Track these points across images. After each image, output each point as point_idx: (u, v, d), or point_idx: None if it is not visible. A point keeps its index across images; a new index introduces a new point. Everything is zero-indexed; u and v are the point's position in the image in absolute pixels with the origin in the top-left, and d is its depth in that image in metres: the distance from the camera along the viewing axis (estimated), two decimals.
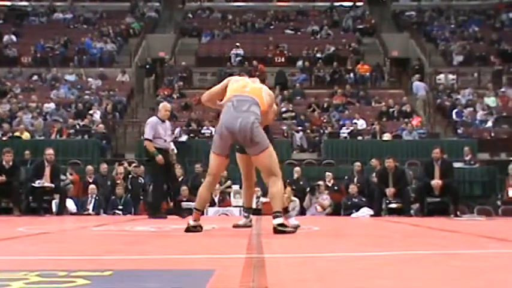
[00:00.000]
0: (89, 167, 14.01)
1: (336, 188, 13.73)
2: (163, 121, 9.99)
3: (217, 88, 6.07)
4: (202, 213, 6.11)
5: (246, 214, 6.83)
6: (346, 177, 13.98)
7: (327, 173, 14.14)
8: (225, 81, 6.02)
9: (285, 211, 6.63)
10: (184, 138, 17.02)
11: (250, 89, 5.81)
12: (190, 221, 5.87)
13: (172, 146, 10.31)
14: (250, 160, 6.29)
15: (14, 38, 25.70)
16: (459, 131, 18.62)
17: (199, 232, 5.76)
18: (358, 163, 14.00)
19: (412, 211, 12.14)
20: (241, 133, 5.55)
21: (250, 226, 6.72)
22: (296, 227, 6.30)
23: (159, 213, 9.76)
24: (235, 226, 6.68)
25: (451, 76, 23.19)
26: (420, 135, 18.04)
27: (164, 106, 10.31)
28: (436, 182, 11.57)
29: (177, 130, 16.93)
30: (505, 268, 3.21)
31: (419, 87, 21.09)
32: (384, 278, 2.78)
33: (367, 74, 23.28)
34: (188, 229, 5.82)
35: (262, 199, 13.64)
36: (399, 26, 28.22)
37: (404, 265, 3.31)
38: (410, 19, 27.90)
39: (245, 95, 5.74)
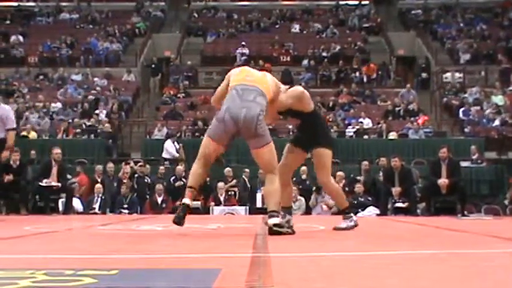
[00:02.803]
0: (99, 167, 14.01)
1: (346, 189, 13.57)
2: None
3: (221, 87, 5.68)
4: (199, 193, 5.55)
5: (282, 213, 6.12)
6: (351, 176, 13.93)
7: (338, 173, 13.97)
8: (226, 78, 5.68)
9: (344, 211, 6.22)
10: None
11: (254, 77, 5.49)
12: (187, 199, 5.30)
13: None
14: (295, 155, 6.05)
15: (20, 38, 25.78)
16: (466, 129, 18.57)
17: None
18: (365, 162, 13.96)
19: (418, 210, 12.11)
20: (245, 124, 5.20)
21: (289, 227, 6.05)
22: (345, 228, 5.98)
23: None
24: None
25: (457, 75, 23.12)
26: (427, 134, 18.00)
27: None
28: (443, 181, 11.54)
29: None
30: None
31: None
32: (390, 277, 2.78)
33: (373, 73, 23.24)
34: (184, 210, 5.24)
35: None
36: (405, 24, 28.15)
37: (411, 264, 3.30)
38: (416, 17, 27.82)
39: (249, 84, 5.43)
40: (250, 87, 5.41)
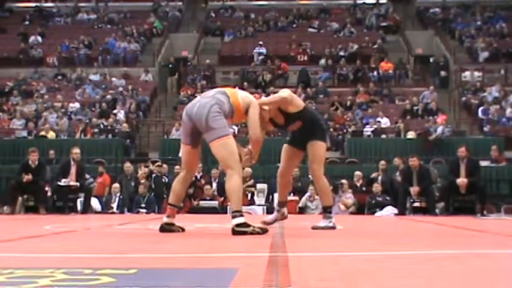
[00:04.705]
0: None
1: (363, 189, 13.60)
2: None
3: None
4: (178, 211, 5.73)
5: (277, 208, 6.45)
6: (369, 176, 13.87)
7: (356, 172, 13.97)
8: None
9: (326, 210, 6.26)
10: None
11: (226, 88, 5.64)
12: (164, 217, 5.58)
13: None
14: (294, 155, 6.14)
15: (39, 38, 25.99)
16: (485, 128, 18.42)
17: (176, 232, 5.42)
18: (383, 162, 13.90)
19: (437, 210, 12.03)
20: (197, 116, 5.22)
21: (283, 218, 6.34)
22: (324, 228, 6.02)
23: None
24: (263, 223, 6.33)
25: (476, 73, 22.91)
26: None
27: None
28: (462, 181, 11.45)
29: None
30: None
31: None
32: (409, 277, 2.75)
33: (391, 71, 23.13)
34: (162, 227, 5.46)
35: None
36: (423, 23, 27.97)
37: (430, 265, 3.27)
38: (435, 16, 27.63)
39: (216, 89, 5.61)
40: (214, 90, 5.56)
